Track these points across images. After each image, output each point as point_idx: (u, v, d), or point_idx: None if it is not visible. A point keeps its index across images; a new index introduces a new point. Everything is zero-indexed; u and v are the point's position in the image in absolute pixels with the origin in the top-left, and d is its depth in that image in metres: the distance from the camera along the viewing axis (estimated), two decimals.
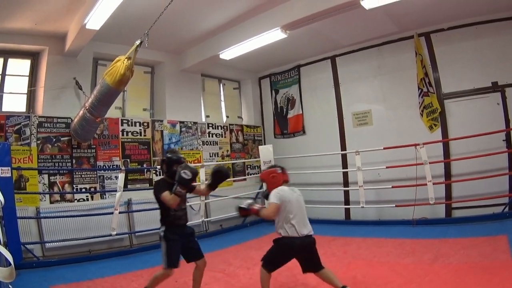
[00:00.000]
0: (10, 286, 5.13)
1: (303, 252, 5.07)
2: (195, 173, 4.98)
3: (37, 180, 8.18)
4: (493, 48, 9.02)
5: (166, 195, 4.94)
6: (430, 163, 8.78)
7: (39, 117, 8.38)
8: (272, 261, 5.15)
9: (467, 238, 7.48)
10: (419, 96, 9.60)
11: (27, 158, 8.10)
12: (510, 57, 8.81)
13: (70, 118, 8.60)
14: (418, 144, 8.85)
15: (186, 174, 4.82)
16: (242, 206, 5.26)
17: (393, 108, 10.22)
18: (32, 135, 8.20)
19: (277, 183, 5.36)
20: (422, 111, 9.53)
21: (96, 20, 7.21)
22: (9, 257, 2.74)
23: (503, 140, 8.60)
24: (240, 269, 7.27)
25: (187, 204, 9.86)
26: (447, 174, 9.36)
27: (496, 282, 5.13)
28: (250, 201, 5.33)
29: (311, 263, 5.07)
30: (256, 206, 5.20)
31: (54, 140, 8.48)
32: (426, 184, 8.82)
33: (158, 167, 9.83)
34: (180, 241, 5.21)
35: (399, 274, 6.15)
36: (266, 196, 5.44)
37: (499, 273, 5.41)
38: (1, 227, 6.07)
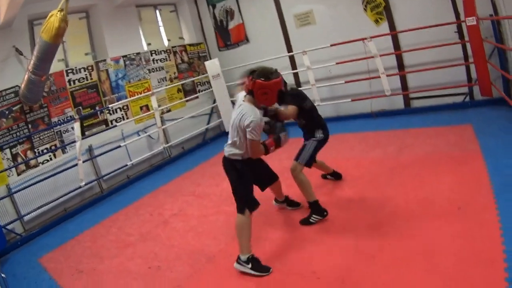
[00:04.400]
0: (3, 275, 5.14)
1: None
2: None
3: (1, 158, 7.99)
4: None
5: None
6: (380, 55, 8.83)
7: None
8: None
9: (430, 128, 7.68)
10: None
11: None
12: None
13: (17, 86, 8.28)
14: (366, 38, 8.87)
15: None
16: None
17: (335, 6, 9.98)
18: None
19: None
20: (366, 6, 9.40)
21: None
22: None
23: (455, 32, 8.56)
24: (209, 187, 7.60)
25: (145, 134, 10.06)
26: (400, 65, 9.40)
27: (467, 171, 5.34)
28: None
29: None
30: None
31: (7, 112, 8.18)
32: (379, 77, 8.94)
33: (111, 105, 9.83)
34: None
35: (367, 169, 6.39)
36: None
37: (469, 163, 5.60)
38: None
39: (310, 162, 5.34)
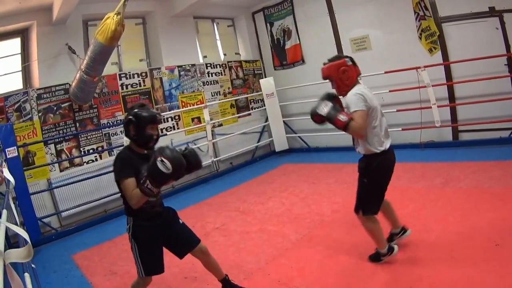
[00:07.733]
0: (33, 265, 5.24)
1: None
2: (178, 164, 3.25)
3: (44, 152, 8.19)
4: None
5: (129, 186, 3.38)
6: (433, 85, 8.69)
7: (37, 89, 8.26)
8: (373, 198, 4.23)
9: (476, 162, 7.48)
10: (416, 20, 9.27)
11: (31, 132, 8.06)
12: None
13: (67, 83, 8.50)
14: (420, 67, 8.75)
15: (164, 166, 3.17)
16: (319, 112, 3.94)
17: (391, 32, 9.90)
18: (32, 109, 8.13)
19: (351, 81, 4.00)
20: (421, 34, 9.25)
21: None
22: (26, 236, 2.78)
23: (505, 65, 8.33)
24: (254, 205, 7.52)
25: (195, 146, 9.90)
26: (451, 96, 9.18)
27: (508, 209, 5.18)
28: (330, 105, 3.94)
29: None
30: (342, 117, 3.80)
31: (55, 108, 8.43)
32: (430, 107, 8.78)
33: (162, 114, 9.72)
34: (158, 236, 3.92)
35: (411, 199, 6.24)
36: (331, 99, 4.04)
37: (511, 200, 5.45)
38: (15, 207, 6.15)
39: None
